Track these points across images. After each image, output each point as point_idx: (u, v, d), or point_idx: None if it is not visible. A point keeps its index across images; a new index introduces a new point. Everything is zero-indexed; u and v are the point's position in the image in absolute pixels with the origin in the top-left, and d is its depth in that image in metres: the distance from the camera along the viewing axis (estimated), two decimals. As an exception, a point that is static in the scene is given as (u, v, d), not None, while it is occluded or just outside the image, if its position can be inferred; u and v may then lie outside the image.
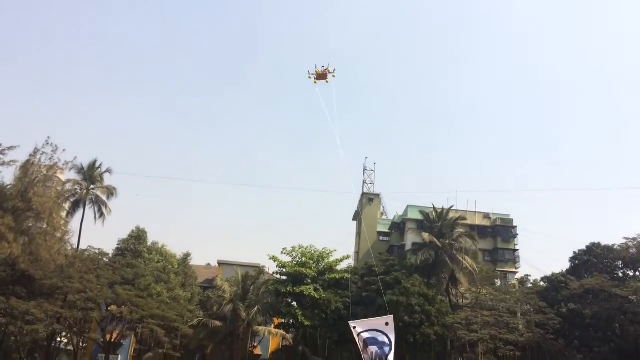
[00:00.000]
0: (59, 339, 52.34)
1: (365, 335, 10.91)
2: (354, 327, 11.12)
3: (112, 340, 45.79)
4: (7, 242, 36.92)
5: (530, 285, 54.54)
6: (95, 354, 50.58)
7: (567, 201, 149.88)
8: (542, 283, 52.78)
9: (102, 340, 45.93)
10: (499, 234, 67.49)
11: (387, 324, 11.00)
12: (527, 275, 58.73)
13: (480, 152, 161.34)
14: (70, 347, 54.60)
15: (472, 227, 61.47)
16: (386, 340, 10.80)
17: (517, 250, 67.28)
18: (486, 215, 68.55)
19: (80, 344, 54.30)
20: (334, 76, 32.60)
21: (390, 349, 10.94)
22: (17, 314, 39.79)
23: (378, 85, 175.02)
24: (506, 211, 70.27)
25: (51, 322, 40.55)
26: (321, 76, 31.95)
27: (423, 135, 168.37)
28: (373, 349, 10.77)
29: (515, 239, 67.87)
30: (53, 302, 41.93)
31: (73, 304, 41.84)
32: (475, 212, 67.33)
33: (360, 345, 10.94)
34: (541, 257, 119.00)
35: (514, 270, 65.50)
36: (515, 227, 68.31)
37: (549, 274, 51.62)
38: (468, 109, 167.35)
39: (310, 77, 32.46)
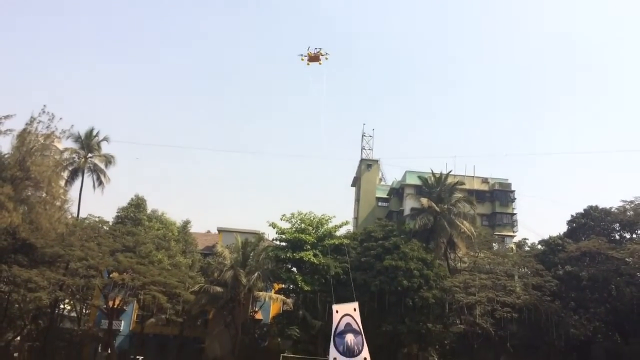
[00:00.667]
0: (62, 306, 53.16)
1: (345, 320, 11.07)
2: (337, 311, 11.25)
3: (115, 306, 46.43)
4: (7, 211, 37.12)
5: (528, 249, 54.99)
6: (99, 320, 51.40)
7: (565, 165, 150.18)
8: (539, 246, 53.22)
9: (104, 306, 46.56)
10: (497, 199, 67.74)
11: (354, 309, 11.17)
12: (525, 239, 59.18)
13: (479, 117, 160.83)
14: (73, 314, 55.55)
15: (471, 192, 61.66)
16: (357, 327, 10.97)
17: (515, 214, 67.65)
18: (484, 180, 68.67)
19: (84, 311, 55.23)
20: (326, 59, 33.03)
21: (362, 338, 11.13)
22: (19, 281, 40.33)
23: (375, 49, 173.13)
24: (504, 176, 70.42)
25: (54, 289, 41.09)
26: (313, 58, 32.50)
27: (422, 100, 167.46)
28: (350, 336, 10.93)
29: (514, 203, 68.16)
30: (55, 269, 42.42)
31: (75, 271, 42.29)
32: (473, 176, 67.40)
33: (339, 329, 11.06)
34: (539, 220, 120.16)
35: (511, 234, 65.97)
36: (514, 191, 68.55)
37: (546, 237, 51.98)
38: (466, 72, 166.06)
39: (302, 60, 33.04)
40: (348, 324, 9.92)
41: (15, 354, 50.43)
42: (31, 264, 42.10)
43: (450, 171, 57.15)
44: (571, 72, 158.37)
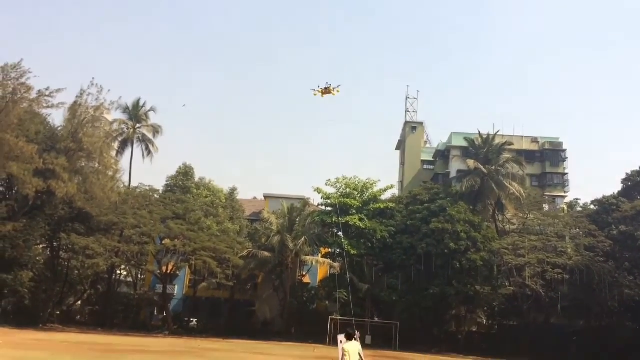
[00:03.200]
0: (118, 272, 55.40)
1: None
2: (341, 341, 11.30)
3: (168, 271, 48.06)
4: (63, 181, 38.62)
5: (580, 209, 53.40)
6: (154, 285, 53.36)
7: (620, 121, 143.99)
8: (592, 206, 51.56)
9: (158, 272, 48.26)
10: (548, 158, 65.70)
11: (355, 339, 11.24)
12: (577, 199, 57.51)
13: (528, 74, 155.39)
14: (129, 279, 57.89)
15: (519, 152, 59.97)
16: None
17: (567, 174, 65.58)
18: (534, 140, 66.59)
19: (139, 276, 57.45)
20: (338, 91, 33.90)
21: None
22: (77, 249, 42.23)
23: (416, 11, 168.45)
24: (555, 134, 68.12)
25: (110, 255, 42.84)
26: (326, 92, 32.99)
27: (467, 60, 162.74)
28: None
29: (565, 163, 66.00)
30: (110, 237, 44.16)
31: (129, 238, 43.87)
32: (522, 136, 65.47)
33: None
34: (592, 180, 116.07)
35: (562, 194, 64.13)
36: (565, 150, 66.28)
37: (599, 197, 50.26)
38: (513, 30, 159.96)
39: (315, 95, 33.83)
40: None
41: (77, 317, 53.15)
42: (88, 232, 43.96)
43: (498, 131, 55.79)
44: (625, 20, 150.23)
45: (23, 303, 43.15)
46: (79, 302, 56.44)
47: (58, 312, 47.88)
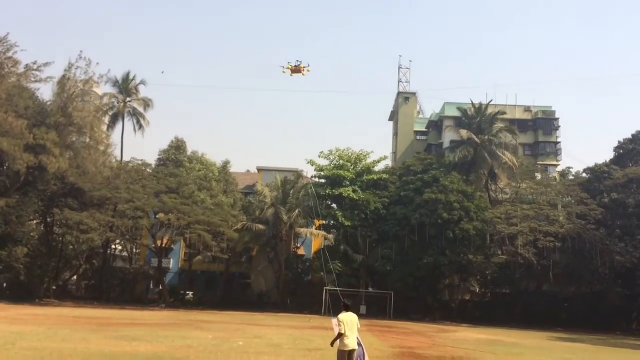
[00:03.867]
0: (113, 246, 55.46)
1: None
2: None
3: (163, 245, 48.17)
4: (54, 156, 38.31)
5: (572, 177, 53.67)
6: (149, 259, 53.54)
7: (612, 89, 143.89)
8: (584, 174, 51.84)
9: (153, 245, 48.36)
10: (540, 127, 65.71)
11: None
12: (569, 168, 57.73)
13: (520, 42, 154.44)
14: (124, 253, 58.01)
15: (512, 121, 59.89)
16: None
17: (559, 142, 65.70)
18: (527, 108, 66.45)
19: (134, 250, 57.56)
20: (308, 70, 33.95)
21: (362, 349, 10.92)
22: (71, 224, 42.16)
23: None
24: (548, 103, 67.93)
25: (104, 230, 42.85)
26: (296, 70, 32.35)
27: (459, 27, 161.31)
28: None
29: (557, 131, 66.01)
30: (104, 211, 44.09)
31: (123, 213, 43.81)
32: (515, 105, 65.28)
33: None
34: (584, 148, 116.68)
35: (555, 163, 64.36)
36: (557, 119, 66.24)
37: (591, 165, 50.51)
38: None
39: (284, 72, 33.75)
40: None
41: (73, 292, 53.40)
42: (81, 206, 43.83)
43: (491, 101, 55.63)
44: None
45: (18, 278, 43.21)
46: (75, 277, 56.62)
47: (54, 287, 48.05)
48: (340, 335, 10.28)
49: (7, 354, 13.74)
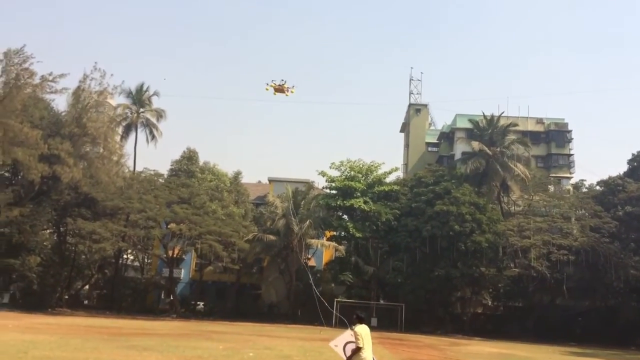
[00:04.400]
0: (125, 256, 55.75)
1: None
2: (336, 345, 10.79)
3: (174, 255, 48.34)
4: (68, 166, 38.73)
5: (586, 190, 53.19)
6: (160, 269, 53.72)
7: (626, 102, 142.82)
8: (597, 187, 51.34)
9: (165, 256, 48.54)
10: (553, 139, 65.32)
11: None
12: (582, 180, 57.16)
13: (533, 54, 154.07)
14: (136, 263, 58.27)
15: (525, 133, 59.69)
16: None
17: (572, 155, 65.20)
18: (539, 121, 66.14)
19: (146, 260, 57.80)
20: (292, 92, 32.85)
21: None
22: (84, 233, 42.47)
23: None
24: (561, 115, 67.60)
25: (116, 240, 43.09)
26: (279, 90, 31.63)
27: (471, 38, 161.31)
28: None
29: (570, 144, 65.60)
30: (116, 221, 44.37)
31: (135, 222, 44.08)
32: (527, 117, 65.03)
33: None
34: (598, 161, 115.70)
35: (568, 175, 63.87)
36: (570, 131, 65.82)
37: (605, 177, 50.03)
38: (518, 10, 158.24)
39: (267, 90, 32.55)
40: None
41: (85, 301, 53.65)
42: (94, 216, 44.19)
43: (503, 112, 55.45)
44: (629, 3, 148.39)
45: (31, 288, 43.54)
46: (87, 287, 56.93)
47: (66, 297, 48.32)
48: (358, 350, 10.09)
49: (20, 363, 13.81)
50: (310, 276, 37.98)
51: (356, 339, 9.93)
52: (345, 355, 10.26)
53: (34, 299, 43.11)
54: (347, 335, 10.44)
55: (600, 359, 28.20)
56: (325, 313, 43.82)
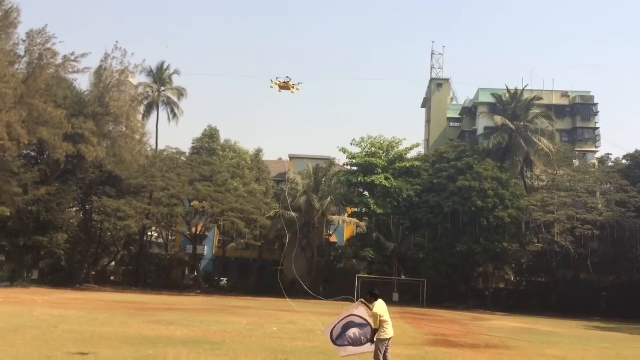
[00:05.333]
0: (149, 233, 56.67)
1: (341, 324, 10.45)
2: (331, 335, 10.74)
3: (198, 232, 48.95)
4: (92, 145, 39.31)
5: (611, 164, 52.16)
6: (184, 246, 54.52)
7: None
8: (624, 161, 50.34)
9: (188, 233, 49.18)
10: (578, 113, 64.01)
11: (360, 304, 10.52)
12: (608, 154, 55.95)
13: (558, 26, 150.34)
14: (160, 240, 59.18)
15: (549, 107, 58.53)
16: (362, 321, 10.33)
17: (598, 128, 63.90)
18: (564, 94, 64.78)
19: (169, 237, 58.69)
20: (298, 89, 32.87)
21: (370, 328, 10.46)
22: (109, 211, 43.24)
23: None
24: (586, 88, 66.08)
25: (141, 217, 43.80)
26: (284, 87, 31.68)
27: (493, 11, 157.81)
28: (354, 330, 10.36)
29: (596, 117, 64.22)
30: (140, 199, 45.06)
31: (158, 200, 44.69)
32: (552, 91, 63.72)
33: (335, 334, 10.49)
34: (624, 134, 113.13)
35: (593, 149, 62.73)
36: (596, 104, 64.38)
37: (632, 151, 49.00)
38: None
39: (272, 87, 32.39)
40: (348, 324, 9.45)
41: (112, 277, 54.84)
42: (118, 194, 44.90)
43: (527, 86, 54.44)
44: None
45: (59, 264, 44.60)
46: (113, 263, 58.13)
47: (93, 273, 49.42)
48: (376, 331, 10.16)
49: (51, 337, 14.23)
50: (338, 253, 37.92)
51: (374, 321, 10.10)
52: (333, 341, 10.38)
53: (62, 275, 44.21)
54: (359, 310, 10.46)
55: (624, 334, 27.99)
56: (347, 289, 44.26)
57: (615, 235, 41.87)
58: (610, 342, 22.55)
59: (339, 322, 10.48)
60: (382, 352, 10.14)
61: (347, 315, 10.48)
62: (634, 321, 37.23)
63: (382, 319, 10.12)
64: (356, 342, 10.30)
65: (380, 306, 10.25)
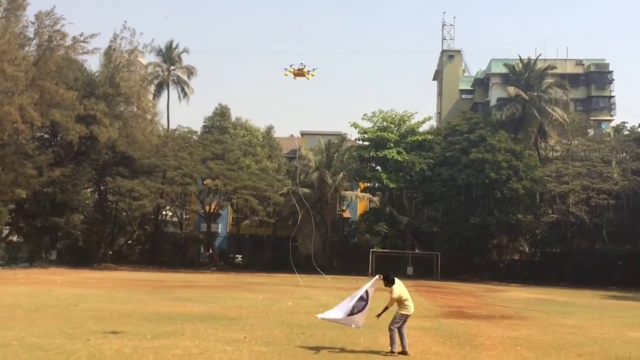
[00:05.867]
0: (164, 212, 57.20)
1: (355, 297, 10.59)
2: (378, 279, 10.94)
3: (211, 210, 49.28)
4: (104, 126, 39.50)
5: (627, 133, 51.43)
6: (198, 224, 54.96)
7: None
8: (640, 129, 49.68)
9: (202, 211, 49.53)
10: (593, 81, 62.96)
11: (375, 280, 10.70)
12: (624, 122, 55.06)
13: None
14: (175, 219, 59.73)
15: (563, 76, 57.62)
16: (365, 297, 10.49)
17: (613, 97, 62.88)
18: (579, 62, 63.66)
19: (184, 216, 59.19)
20: (313, 75, 32.81)
21: (365, 305, 10.56)
22: (124, 191, 43.68)
23: None
24: (601, 56, 64.91)
25: (155, 197, 44.17)
26: (299, 74, 31.65)
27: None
28: (355, 303, 10.52)
29: (611, 85, 63.16)
30: (154, 179, 45.39)
31: (172, 179, 44.95)
32: (566, 59, 62.66)
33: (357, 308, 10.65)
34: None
35: (609, 118, 61.83)
36: (611, 72, 63.25)
37: (648, 119, 48.26)
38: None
39: (286, 75, 32.43)
40: (358, 301, 9.59)
41: (128, 257, 55.57)
42: (132, 174, 45.24)
43: (540, 55, 53.44)
44: None
45: (77, 244, 45.26)
46: (129, 242, 58.87)
47: (110, 252, 50.11)
48: (389, 306, 10.67)
49: (71, 315, 14.50)
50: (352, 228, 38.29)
51: (390, 303, 10.59)
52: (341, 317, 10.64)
53: (80, 255, 44.89)
54: (366, 288, 10.70)
55: (640, 303, 27.90)
56: (361, 263, 44.53)
57: (631, 204, 41.52)
58: (627, 310, 22.51)
59: (352, 302, 10.63)
60: (398, 325, 10.42)
61: (360, 294, 10.65)
62: (650, 290, 37.11)
63: (402, 298, 10.40)
64: (351, 312, 10.58)
65: (399, 288, 10.53)
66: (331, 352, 10.41)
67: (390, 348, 10.35)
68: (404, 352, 10.31)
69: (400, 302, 10.49)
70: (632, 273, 43.87)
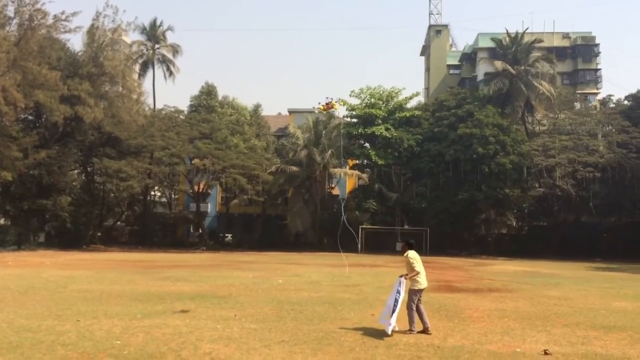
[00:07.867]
0: (152, 193, 57.01)
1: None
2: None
3: (200, 190, 49.19)
4: (89, 107, 39.02)
5: (613, 105, 51.84)
6: (187, 204, 54.92)
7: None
8: (626, 102, 49.99)
9: (191, 191, 49.41)
10: (580, 54, 63.07)
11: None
12: (610, 95, 55.60)
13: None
14: (164, 199, 59.58)
15: (550, 50, 57.64)
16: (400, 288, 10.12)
17: (600, 70, 63.12)
18: (565, 35, 63.64)
19: (172, 196, 59.05)
20: (341, 104, 37.88)
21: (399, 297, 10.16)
22: (111, 172, 43.39)
23: None
24: (588, 28, 64.87)
25: (142, 177, 43.98)
26: (328, 107, 34.22)
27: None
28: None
29: (598, 58, 63.32)
30: (141, 159, 45.11)
31: (159, 160, 44.74)
32: (553, 33, 62.61)
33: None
34: (627, 75, 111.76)
35: (595, 91, 62.13)
36: (598, 44, 63.36)
37: (634, 91, 48.51)
38: None
39: (316, 112, 38.09)
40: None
41: (118, 238, 55.49)
42: (119, 155, 44.89)
43: (527, 29, 53.38)
44: None
45: (65, 226, 44.96)
46: (118, 223, 58.70)
47: (99, 234, 49.94)
48: (417, 274, 10.17)
49: (61, 296, 14.48)
50: (341, 204, 39.17)
51: (411, 264, 10.21)
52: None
53: (69, 237, 44.64)
54: (400, 286, 10.16)
55: (626, 273, 28.39)
56: (351, 240, 44.80)
57: (616, 176, 42.02)
58: (612, 281, 22.89)
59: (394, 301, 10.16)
60: (415, 302, 10.09)
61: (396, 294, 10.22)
62: (634, 261, 37.76)
63: (415, 268, 10.17)
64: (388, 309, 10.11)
65: (414, 254, 10.37)
66: (321, 327, 10.49)
67: (409, 327, 10.04)
68: (425, 330, 9.95)
69: (410, 269, 10.21)
70: (617, 245, 44.64)
